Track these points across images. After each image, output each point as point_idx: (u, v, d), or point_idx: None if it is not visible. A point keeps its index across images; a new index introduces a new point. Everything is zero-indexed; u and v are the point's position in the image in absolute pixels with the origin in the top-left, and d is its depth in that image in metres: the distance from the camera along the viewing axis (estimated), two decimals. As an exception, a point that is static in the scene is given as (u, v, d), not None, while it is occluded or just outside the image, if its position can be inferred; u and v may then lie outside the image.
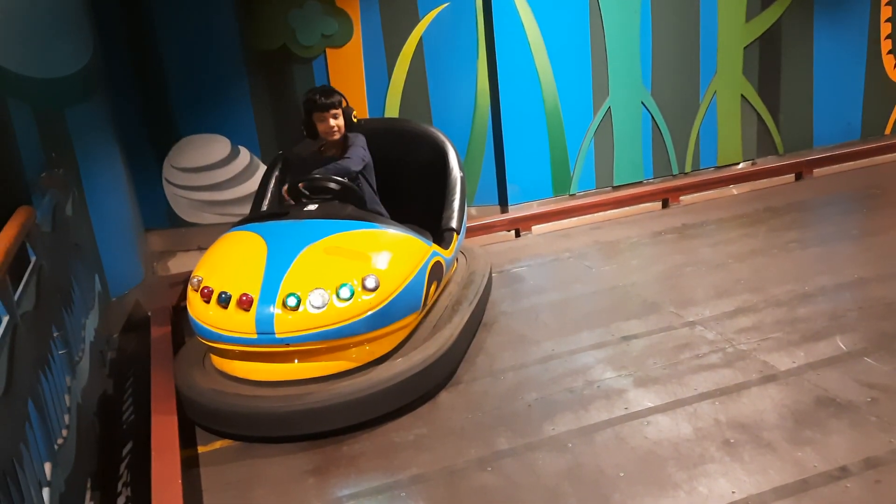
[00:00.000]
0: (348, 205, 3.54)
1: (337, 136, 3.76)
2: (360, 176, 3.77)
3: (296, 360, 3.06)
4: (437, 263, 3.54)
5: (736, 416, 2.89)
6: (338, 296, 3.00)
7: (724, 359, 3.35)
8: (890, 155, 6.42)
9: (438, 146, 4.19)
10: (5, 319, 2.09)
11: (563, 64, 5.77)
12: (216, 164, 5.80)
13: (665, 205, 5.79)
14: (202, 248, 5.93)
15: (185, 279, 4.70)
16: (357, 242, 3.28)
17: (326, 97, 3.68)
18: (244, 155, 5.77)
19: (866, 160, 6.32)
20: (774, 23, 6.17)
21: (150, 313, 4.39)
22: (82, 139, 4.30)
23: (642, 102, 6.01)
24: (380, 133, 4.16)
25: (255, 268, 3.12)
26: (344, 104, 3.74)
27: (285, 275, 3.06)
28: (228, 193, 5.87)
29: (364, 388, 3.00)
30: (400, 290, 3.15)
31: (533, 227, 5.47)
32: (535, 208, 5.74)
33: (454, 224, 3.92)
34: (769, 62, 6.26)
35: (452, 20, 5.64)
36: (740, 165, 6.37)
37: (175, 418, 3.00)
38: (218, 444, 3.09)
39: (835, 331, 3.47)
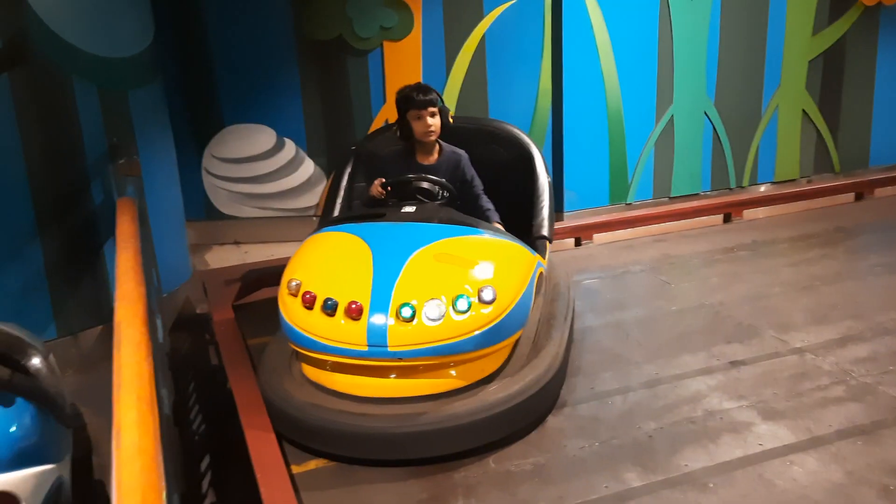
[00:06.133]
0: (448, 208, 3.29)
1: (434, 138, 3.49)
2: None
3: (392, 376, 2.80)
4: (541, 275, 3.30)
5: (885, 459, 2.68)
6: (454, 307, 2.75)
7: (849, 392, 3.14)
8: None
9: (525, 149, 3.94)
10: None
11: (629, 69, 5.55)
12: (259, 155, 5.51)
13: (727, 219, 5.60)
14: (239, 243, 5.65)
15: (241, 276, 4.44)
16: (466, 249, 3.02)
17: (424, 94, 3.41)
18: (289, 147, 5.49)
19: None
20: (840, 38, 6.02)
21: (208, 312, 4.09)
22: (143, 124, 4.00)
23: (705, 112, 5.82)
24: (466, 133, 3.90)
25: (362, 273, 2.85)
26: (441, 103, 3.48)
27: (396, 282, 2.80)
28: (270, 187, 5.58)
29: (480, 409, 2.74)
30: (515, 303, 2.90)
31: (594, 236, 5.25)
32: (591, 216, 5.51)
33: (546, 232, 3.67)
34: (832, 77, 6.11)
35: (518, 18, 5.40)
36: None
37: (273, 435, 2.72)
38: (312, 463, 2.82)
39: (961, 366, 3.28)
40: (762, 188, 6.14)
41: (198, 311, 4.33)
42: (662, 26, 5.56)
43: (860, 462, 2.68)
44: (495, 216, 3.57)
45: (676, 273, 4.63)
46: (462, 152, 3.60)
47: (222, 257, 5.37)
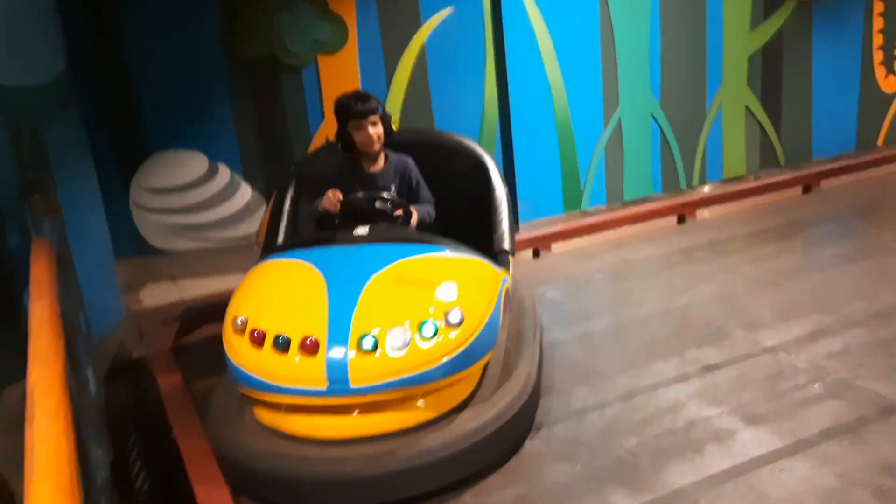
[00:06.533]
0: (403, 226, 3.09)
1: (377, 148, 3.29)
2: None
3: (356, 413, 2.57)
4: (507, 291, 3.12)
5: (875, 458, 2.57)
6: (420, 334, 2.54)
7: (828, 390, 3.04)
8: (893, 166, 6.39)
9: (478, 160, 3.77)
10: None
11: (574, 74, 5.46)
12: (191, 183, 5.19)
13: (681, 220, 5.54)
14: (175, 278, 5.30)
15: (179, 315, 4.14)
16: (428, 270, 2.82)
17: (364, 102, 3.21)
18: (223, 173, 5.18)
19: (870, 171, 6.26)
20: (776, 32, 6.06)
21: (145, 357, 3.78)
22: (61, 156, 3.69)
23: (651, 114, 5.77)
24: (414, 146, 3.71)
25: (316, 304, 2.62)
26: (382, 110, 3.28)
27: (354, 311, 2.57)
28: (205, 216, 5.25)
29: (455, 441, 2.53)
30: (484, 324, 2.71)
31: (552, 246, 5.11)
32: (547, 226, 5.38)
33: (507, 245, 3.49)
34: (771, 72, 6.14)
35: (458, 26, 5.25)
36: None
37: (225, 489, 2.45)
38: (274, 518, 2.56)
39: (935, 353, 3.23)
40: (706, 188, 6.11)
41: (134, 356, 4.00)
42: (604, 29, 5.49)
43: (850, 463, 2.56)
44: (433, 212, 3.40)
45: (638, 278, 4.53)
46: (408, 157, 3.41)
47: (158, 295, 5.01)
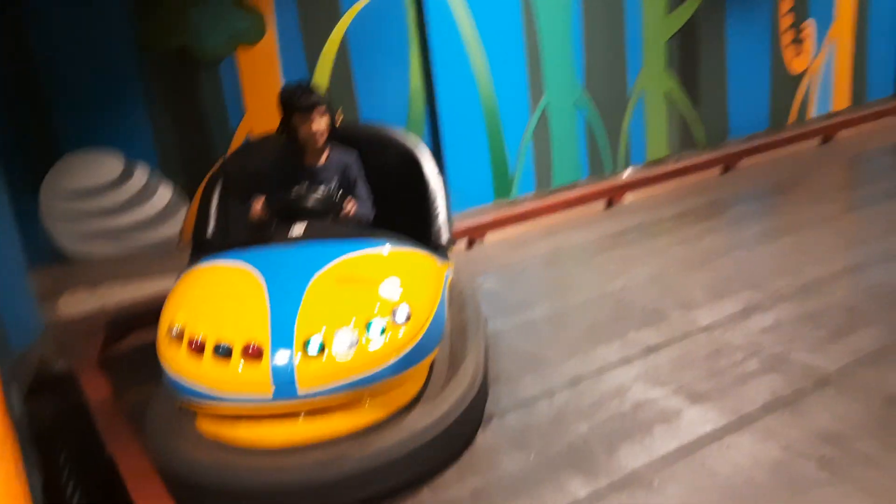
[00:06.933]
0: (342, 222, 3.00)
1: (322, 141, 3.19)
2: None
3: (301, 417, 2.49)
4: (451, 284, 3.08)
5: (815, 428, 2.67)
6: (368, 334, 2.47)
7: (764, 365, 3.14)
8: (804, 143, 6.67)
9: (411, 152, 3.71)
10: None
11: (499, 62, 5.45)
12: (106, 185, 4.91)
13: (610, 204, 5.63)
14: (95, 286, 5.03)
15: (103, 324, 3.93)
16: (372, 266, 2.75)
17: (310, 94, 3.11)
18: (141, 172, 4.94)
19: (783, 149, 6.52)
20: (692, 16, 6.21)
21: (69, 370, 3.56)
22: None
23: (577, 100, 5.83)
24: (345, 141, 3.61)
25: (256, 308, 2.51)
26: (328, 102, 3.18)
27: (297, 313, 2.48)
28: (124, 219, 4.99)
29: (409, 439, 2.49)
30: (431, 318, 2.66)
31: (486, 236, 5.10)
32: (479, 215, 5.37)
33: (446, 237, 3.46)
34: (688, 56, 6.30)
35: (379, 16, 5.16)
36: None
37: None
38: (223, 532, 2.45)
39: (859, 323, 3.37)
40: (631, 171, 6.22)
41: (57, 370, 3.77)
42: (526, 16, 5.50)
43: (792, 435, 2.65)
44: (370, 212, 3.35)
45: (573, 264, 4.57)
46: (353, 151, 3.33)
47: (78, 304, 4.73)
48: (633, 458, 2.62)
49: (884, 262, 4.00)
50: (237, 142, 4.95)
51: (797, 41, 6.82)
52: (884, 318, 3.40)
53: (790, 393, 2.91)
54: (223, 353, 2.41)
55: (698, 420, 2.80)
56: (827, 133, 6.80)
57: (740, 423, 2.75)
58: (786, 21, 6.67)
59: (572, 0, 5.64)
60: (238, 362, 2.40)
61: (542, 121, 5.72)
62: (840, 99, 7.34)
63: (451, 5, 5.23)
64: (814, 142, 6.72)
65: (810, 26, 6.91)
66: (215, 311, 2.57)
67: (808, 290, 3.77)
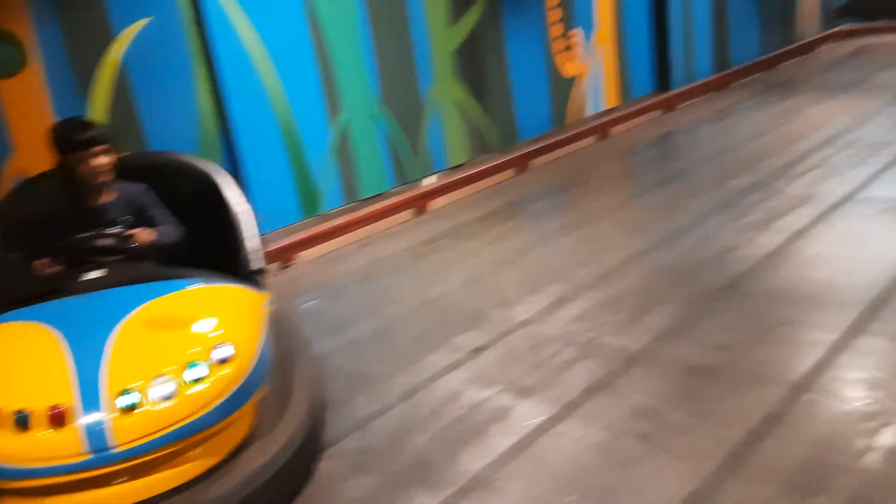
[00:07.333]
0: (145, 262, 2.77)
1: (105, 179, 2.92)
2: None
3: (121, 480, 2.26)
4: (273, 313, 2.96)
5: (629, 405, 2.89)
6: (186, 380, 2.30)
7: (579, 352, 3.35)
8: (583, 140, 7.23)
9: (208, 179, 3.51)
10: None
11: (291, 79, 5.33)
12: None
13: (419, 212, 5.73)
14: None
15: None
16: (184, 306, 2.57)
17: (85, 131, 2.83)
18: None
19: (565, 148, 7.02)
20: (474, 26, 6.48)
21: None
22: None
23: (376, 113, 5.86)
24: (135, 171, 3.35)
25: (55, 366, 2.25)
26: (108, 137, 2.92)
27: (103, 368, 2.26)
28: None
29: (244, 484, 2.35)
30: (255, 355, 2.54)
31: (299, 255, 4.98)
32: (289, 235, 5.23)
33: (259, 264, 3.32)
34: (475, 65, 6.57)
35: (159, 38, 4.83)
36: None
37: None
38: None
39: (654, 302, 3.70)
40: (434, 178, 6.38)
41: None
42: (314, 31, 5.44)
43: (612, 415, 2.85)
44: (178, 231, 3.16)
45: (391, 275, 4.59)
46: (140, 185, 3.09)
47: None
48: (473, 461, 2.68)
49: (664, 244, 4.43)
50: (6, 184, 4.42)
51: (567, 48, 7.37)
52: (673, 295, 3.77)
53: (605, 375, 3.13)
54: (23, 421, 2.13)
55: (529, 414, 2.92)
56: (602, 130, 7.42)
57: (566, 411, 2.91)
58: (556, 30, 7.18)
59: (359, 17, 5.67)
60: (41, 429, 2.13)
61: (343, 135, 5.69)
62: (611, 98, 8.04)
63: (234, 24, 5.03)
64: (592, 139, 7.31)
65: (578, 34, 7.50)
66: (6, 377, 2.26)
67: (605, 278, 4.08)
